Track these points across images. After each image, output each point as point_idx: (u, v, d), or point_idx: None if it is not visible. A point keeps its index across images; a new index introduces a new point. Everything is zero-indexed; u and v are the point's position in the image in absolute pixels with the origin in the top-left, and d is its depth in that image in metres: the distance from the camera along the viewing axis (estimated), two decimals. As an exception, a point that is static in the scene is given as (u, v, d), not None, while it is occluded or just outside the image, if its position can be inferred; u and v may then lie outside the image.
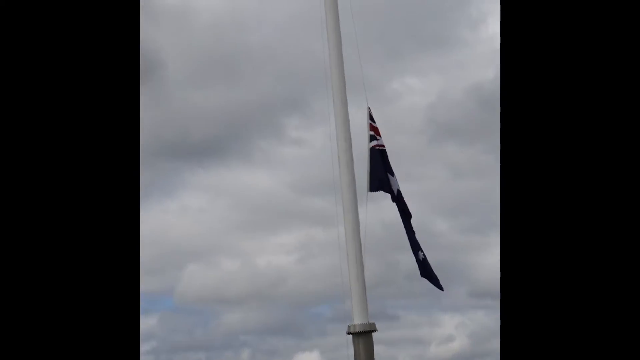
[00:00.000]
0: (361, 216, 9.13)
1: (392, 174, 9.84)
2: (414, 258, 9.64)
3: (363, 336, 8.66)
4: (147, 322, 33.24)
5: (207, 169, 40.27)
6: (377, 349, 8.75)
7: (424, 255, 9.70)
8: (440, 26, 37.91)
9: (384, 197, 9.79)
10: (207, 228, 38.88)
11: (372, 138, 9.86)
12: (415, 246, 9.73)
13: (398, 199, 9.79)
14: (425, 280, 9.70)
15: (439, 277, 9.75)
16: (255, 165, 38.06)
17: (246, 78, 36.63)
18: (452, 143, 37.18)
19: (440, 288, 9.79)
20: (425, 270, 9.68)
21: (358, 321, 8.74)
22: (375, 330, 8.74)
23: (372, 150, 9.79)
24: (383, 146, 9.91)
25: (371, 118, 9.93)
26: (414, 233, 9.81)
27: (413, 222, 9.79)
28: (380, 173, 9.72)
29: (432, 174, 34.15)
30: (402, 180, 9.97)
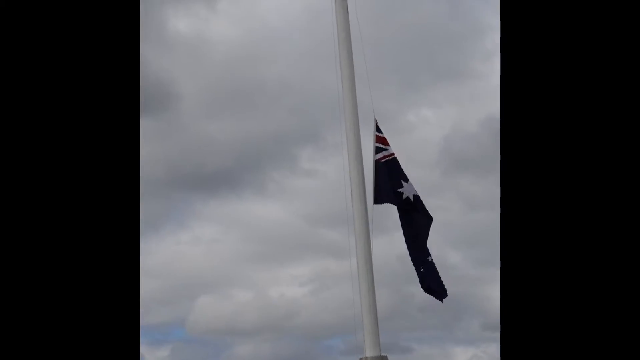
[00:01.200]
0: (374, 248, 9.13)
1: (407, 180, 9.82)
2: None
3: (375, 369, 8.61)
4: (160, 354, 33.19)
5: (221, 200, 40.38)
6: (390, 381, 8.70)
7: (430, 260, 9.69)
8: (455, 58, 38.07)
9: (397, 229, 9.81)
10: (220, 259, 38.91)
11: (378, 150, 9.86)
12: (419, 257, 9.70)
13: (415, 204, 9.76)
14: (438, 312, 9.68)
15: (446, 290, 9.65)
16: (268, 196, 38.15)
17: (260, 110, 36.88)
18: (466, 175, 37.11)
19: (444, 296, 9.70)
20: (427, 281, 9.67)
21: (370, 354, 8.66)
22: (387, 362, 8.69)
23: (378, 163, 9.80)
24: (392, 155, 9.90)
25: (378, 129, 9.96)
26: (425, 239, 9.76)
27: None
28: (386, 185, 9.72)
29: (447, 205, 34.00)
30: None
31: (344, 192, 9.38)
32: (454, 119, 38.36)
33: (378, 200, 9.66)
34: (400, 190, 9.76)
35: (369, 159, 9.72)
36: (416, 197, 9.80)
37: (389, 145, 9.92)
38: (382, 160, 9.84)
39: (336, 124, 9.69)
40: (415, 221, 9.80)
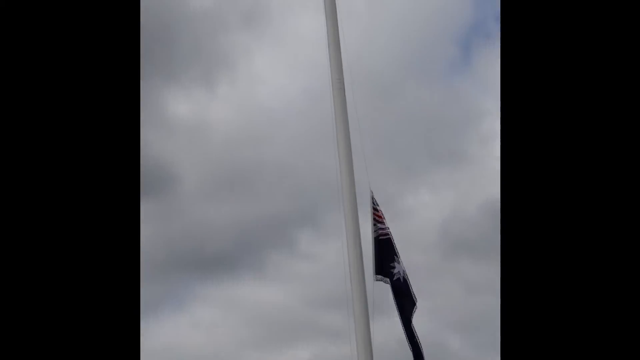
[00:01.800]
0: (374, 331, 9.06)
1: (398, 261, 9.92)
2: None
3: None
4: None
5: (220, 282, 40.10)
6: None
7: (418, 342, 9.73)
8: (454, 142, 38.39)
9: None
10: (219, 342, 38.35)
11: (375, 225, 9.98)
12: (412, 340, 9.74)
13: (404, 283, 9.84)
14: None
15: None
16: (267, 279, 37.89)
17: (259, 193, 37.00)
18: (466, 258, 37.00)
19: None
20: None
21: None
22: None
23: (376, 238, 9.91)
24: (387, 233, 10.01)
25: (374, 203, 10.05)
26: (411, 321, 9.82)
27: (423, 337, 9.79)
28: (383, 262, 9.81)
29: (446, 289, 33.78)
30: (417, 296, 9.96)
31: (343, 274, 9.37)
32: (452, 203, 38.46)
33: (378, 271, 9.76)
34: (392, 270, 9.86)
35: (367, 241, 9.78)
36: (405, 280, 9.89)
37: (384, 221, 10.05)
38: (380, 237, 9.94)
39: (335, 207, 9.75)
40: (404, 307, 9.85)
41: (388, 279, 9.79)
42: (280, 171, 35.74)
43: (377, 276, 9.72)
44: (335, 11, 10.42)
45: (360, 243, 9.44)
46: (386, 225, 10.00)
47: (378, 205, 10.04)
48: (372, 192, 10.06)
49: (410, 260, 10.03)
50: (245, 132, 37.13)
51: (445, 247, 35.42)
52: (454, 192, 37.91)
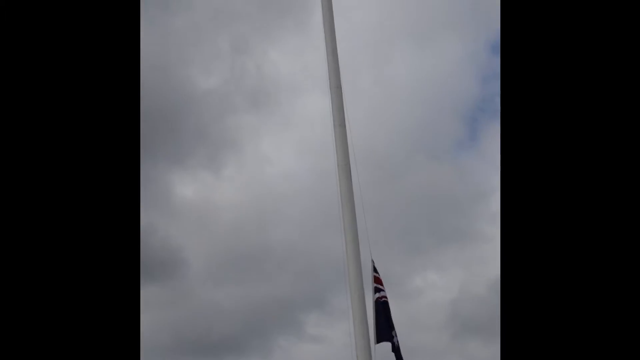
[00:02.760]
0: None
1: (393, 327, 10.02)
2: None
3: None
4: None
5: (227, 367, 39.58)
6: None
7: None
8: (461, 221, 38.32)
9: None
10: None
11: (376, 290, 10.09)
12: None
13: (397, 350, 9.95)
14: None
15: None
16: (275, 363, 37.39)
17: (266, 275, 36.82)
18: (475, 339, 36.51)
19: None
20: None
21: None
22: None
23: (377, 303, 9.99)
24: (385, 297, 10.13)
25: (375, 270, 10.12)
26: None
27: None
28: (384, 324, 9.90)
29: (456, 370, 33.27)
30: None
31: (351, 358, 9.29)
32: (461, 282, 38.19)
33: (379, 338, 9.81)
34: (393, 334, 9.99)
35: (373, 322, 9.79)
36: (398, 346, 10.00)
37: (382, 286, 10.17)
38: (381, 300, 10.04)
39: (342, 288, 9.73)
40: None
41: (390, 342, 9.90)
42: (287, 253, 35.68)
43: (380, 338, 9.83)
44: (341, 92, 10.57)
45: (367, 325, 9.39)
46: (384, 290, 10.14)
47: (377, 271, 10.14)
48: (372, 261, 10.16)
49: (419, 340, 10.15)
50: (252, 213, 37.20)
51: (455, 327, 35.04)
52: (463, 272, 37.70)
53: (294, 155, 37.87)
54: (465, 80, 41.26)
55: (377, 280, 10.12)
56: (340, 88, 10.57)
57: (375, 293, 10.03)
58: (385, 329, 9.87)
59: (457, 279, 37.28)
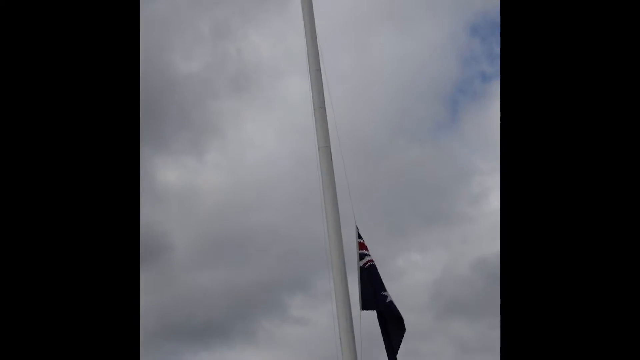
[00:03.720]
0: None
1: (384, 288, 10.01)
2: None
3: None
4: None
5: (212, 350, 39.66)
6: None
7: None
8: (443, 202, 38.47)
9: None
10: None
11: (361, 256, 10.09)
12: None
13: (395, 308, 9.96)
14: None
15: None
16: (259, 345, 37.48)
17: (250, 259, 36.88)
18: (459, 319, 36.76)
19: None
20: None
21: None
22: None
23: (362, 269, 10.01)
24: (372, 261, 10.13)
25: (359, 236, 10.16)
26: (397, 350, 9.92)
27: None
28: (370, 290, 9.92)
29: (439, 349, 33.48)
30: (409, 357, 10.00)
31: (334, 339, 9.34)
32: (444, 263, 38.38)
33: (366, 306, 9.86)
34: (384, 293, 9.98)
35: (357, 304, 9.83)
36: (391, 304, 10.04)
37: (367, 250, 10.13)
38: (366, 266, 10.04)
39: (325, 271, 9.77)
40: (392, 333, 9.98)
41: (380, 306, 9.92)
42: (270, 236, 35.71)
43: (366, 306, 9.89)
44: (320, 75, 10.58)
45: (350, 306, 9.43)
46: (370, 255, 10.15)
47: (361, 237, 10.16)
48: (357, 228, 10.21)
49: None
50: (235, 197, 37.20)
51: (438, 307, 35.25)
52: (445, 252, 37.90)
53: (276, 138, 37.87)
54: (445, 62, 41.32)
55: (362, 245, 10.17)
56: (320, 71, 10.58)
57: (360, 260, 10.10)
58: (370, 297, 9.90)
59: (440, 260, 37.50)
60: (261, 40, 38.07)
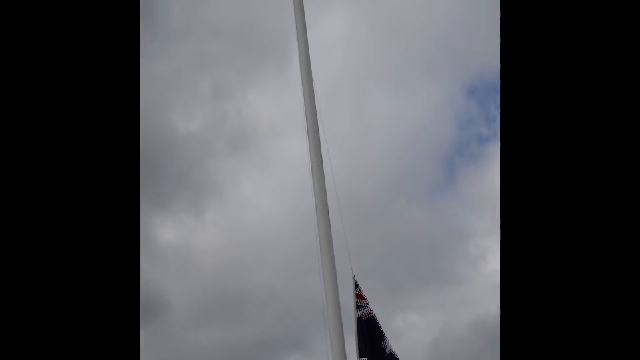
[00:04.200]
0: None
1: (384, 339, 10.02)
2: None
3: None
4: None
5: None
6: None
7: None
8: (440, 263, 38.40)
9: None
10: None
11: (358, 307, 10.10)
12: None
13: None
14: None
15: None
16: (257, 405, 37.04)
17: (248, 317, 36.67)
18: (458, 378, 36.39)
19: None
20: None
21: None
22: None
23: (359, 321, 10.03)
24: (371, 312, 10.11)
25: (356, 285, 10.11)
26: None
27: None
28: (367, 341, 9.93)
29: (439, 411, 33.10)
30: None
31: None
32: (441, 323, 38.15)
33: (362, 354, 9.88)
34: (383, 345, 9.98)
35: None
36: (391, 355, 10.02)
37: (366, 300, 10.11)
38: (364, 318, 9.96)
39: (322, 330, 9.75)
40: None
41: (378, 358, 9.92)
42: (268, 295, 35.57)
43: (363, 359, 9.82)
44: (318, 135, 10.68)
45: (346, 366, 9.40)
46: (369, 306, 10.13)
47: (359, 287, 10.16)
48: (354, 277, 10.17)
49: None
50: (233, 256, 37.14)
51: (436, 367, 34.90)
52: (443, 313, 37.69)
53: (274, 198, 37.95)
54: (442, 124, 41.68)
55: (359, 296, 10.15)
56: (318, 130, 10.69)
57: (357, 310, 10.06)
58: (366, 349, 9.92)
59: (438, 320, 37.27)
60: (260, 100, 38.47)
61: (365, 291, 10.30)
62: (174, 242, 37.75)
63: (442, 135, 41.74)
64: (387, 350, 9.98)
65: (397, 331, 34.27)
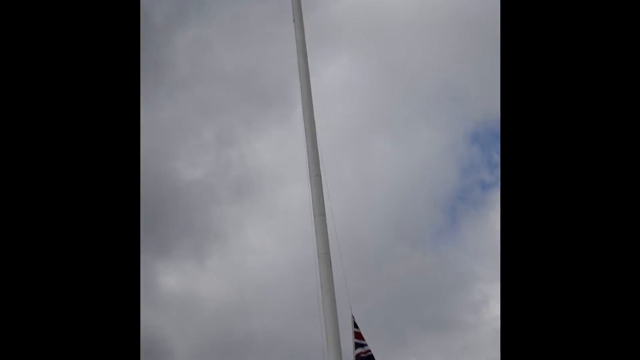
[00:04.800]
0: None
1: None
2: None
3: None
4: None
5: None
6: None
7: None
8: (443, 309, 38.17)
9: None
10: None
11: (357, 345, 10.12)
12: None
13: None
14: None
15: None
16: None
17: (249, 364, 36.38)
18: None
19: None
20: None
21: None
22: None
23: (358, 358, 10.04)
24: (369, 351, 10.15)
25: (355, 325, 10.17)
26: None
27: None
28: None
29: None
30: None
31: None
32: (443, 372, 37.79)
33: None
34: None
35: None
36: None
37: (364, 340, 10.15)
38: (363, 355, 10.08)
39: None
40: None
41: None
42: (270, 340, 35.31)
43: None
44: (321, 181, 10.74)
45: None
46: (367, 346, 10.15)
47: (358, 327, 10.17)
48: (353, 317, 10.24)
49: None
50: (235, 303, 36.94)
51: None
52: (444, 360, 37.35)
53: (277, 244, 37.85)
54: (444, 170, 41.69)
55: (358, 335, 10.19)
56: (320, 177, 10.75)
57: (356, 348, 10.07)
58: None
59: (439, 368, 36.88)
60: (264, 147, 38.60)
61: (366, 339, 10.31)
62: (177, 288, 37.62)
63: (445, 181, 41.77)
64: None
65: (399, 380, 33.94)
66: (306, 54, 11.80)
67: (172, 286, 37.37)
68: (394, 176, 39.32)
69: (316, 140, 11.06)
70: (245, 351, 35.99)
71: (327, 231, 10.31)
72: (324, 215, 10.44)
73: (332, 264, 10.10)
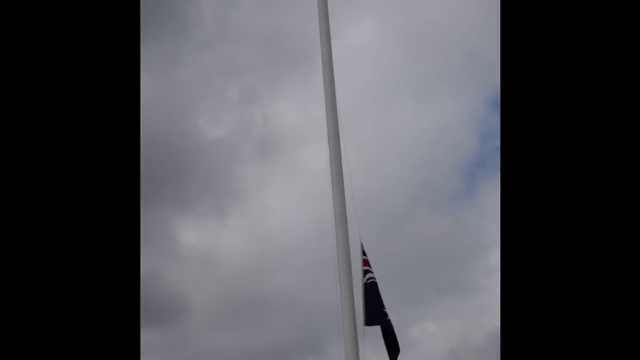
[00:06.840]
0: None
1: (383, 306, 10.15)
2: None
3: None
4: None
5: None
6: None
7: None
8: (460, 273, 38.23)
9: None
10: None
11: (365, 272, 10.25)
12: None
13: (391, 327, 10.15)
14: None
15: None
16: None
17: (267, 322, 36.74)
18: (475, 388, 36.19)
19: None
20: None
21: None
22: None
23: (366, 285, 10.16)
24: (373, 278, 10.28)
25: (363, 252, 10.30)
26: None
27: None
28: (374, 307, 10.08)
29: None
30: None
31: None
32: (460, 333, 37.97)
33: (369, 321, 10.02)
34: (384, 310, 10.12)
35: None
36: (389, 323, 10.19)
37: (371, 266, 10.33)
38: (369, 282, 10.16)
39: (337, 337, 9.76)
40: (392, 347, 10.17)
41: (382, 322, 10.06)
42: (286, 300, 35.61)
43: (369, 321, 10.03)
44: (339, 141, 10.69)
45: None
46: (372, 271, 10.26)
47: (365, 254, 10.32)
48: (362, 245, 10.34)
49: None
50: (254, 261, 37.21)
51: (454, 377, 34.73)
52: (461, 323, 37.51)
53: (296, 204, 37.97)
54: (463, 135, 41.46)
55: (366, 262, 10.31)
56: (338, 136, 10.70)
57: (364, 275, 10.22)
58: (374, 312, 10.04)
59: (456, 330, 37.08)
60: (287, 107, 38.53)
61: (384, 299, 10.36)
62: (197, 245, 37.92)
63: (464, 147, 41.57)
64: (387, 316, 10.13)
65: (415, 340, 34.16)
66: (327, 15, 11.70)
67: (193, 242, 37.69)
68: (414, 139, 39.19)
69: (335, 100, 10.99)
70: (261, 309, 36.35)
71: (344, 191, 10.28)
72: (341, 174, 10.39)
73: (349, 225, 10.11)
